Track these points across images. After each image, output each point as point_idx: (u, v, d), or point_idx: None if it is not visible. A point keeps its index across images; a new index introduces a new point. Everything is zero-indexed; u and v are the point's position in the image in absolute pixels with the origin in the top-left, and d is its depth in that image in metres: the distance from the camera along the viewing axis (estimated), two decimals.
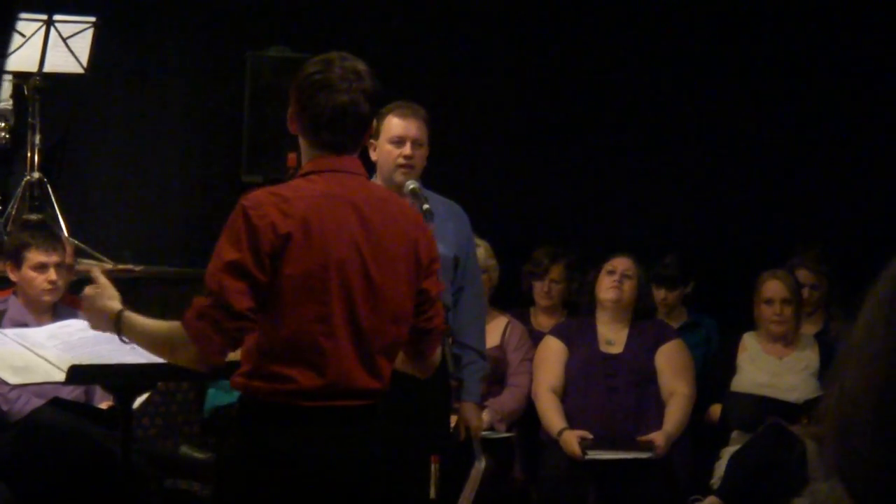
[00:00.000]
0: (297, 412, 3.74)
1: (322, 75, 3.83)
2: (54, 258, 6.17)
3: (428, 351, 4.08)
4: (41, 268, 6.13)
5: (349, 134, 3.86)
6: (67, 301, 6.43)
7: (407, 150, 5.52)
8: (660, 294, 7.57)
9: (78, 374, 4.47)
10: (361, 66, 3.90)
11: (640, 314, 6.89)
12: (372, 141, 5.59)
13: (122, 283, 7.49)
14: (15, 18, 7.67)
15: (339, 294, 3.75)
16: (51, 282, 6.13)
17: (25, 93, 7.88)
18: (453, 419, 5.80)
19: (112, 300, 3.97)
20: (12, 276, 6.19)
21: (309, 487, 3.77)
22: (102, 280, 4.03)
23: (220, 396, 6.78)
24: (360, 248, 3.79)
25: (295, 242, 3.68)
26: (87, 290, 4.02)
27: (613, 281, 6.81)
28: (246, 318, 3.67)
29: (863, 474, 1.07)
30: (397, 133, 5.56)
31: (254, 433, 3.78)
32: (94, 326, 4.07)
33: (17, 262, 6.17)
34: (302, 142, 3.90)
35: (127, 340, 3.95)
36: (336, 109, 3.81)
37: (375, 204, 3.87)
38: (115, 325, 3.91)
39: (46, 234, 6.34)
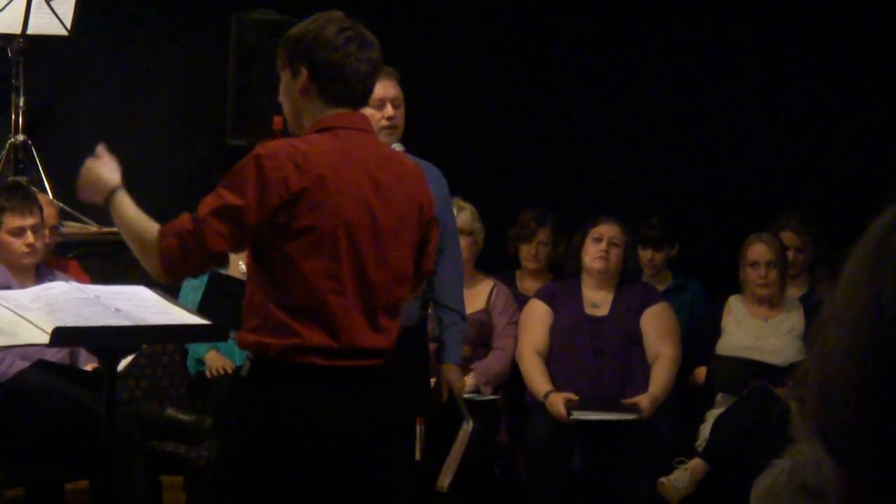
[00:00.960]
0: (307, 371, 3.77)
1: (353, 32, 3.91)
2: (30, 221, 6.09)
3: (420, 284, 4.25)
4: (18, 232, 6.06)
5: (373, 87, 4.00)
6: (52, 263, 6.41)
7: (389, 111, 5.55)
8: (646, 254, 7.57)
9: (62, 336, 4.46)
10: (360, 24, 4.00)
11: (626, 279, 6.90)
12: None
13: (107, 245, 7.53)
14: None
15: (349, 251, 3.79)
16: (28, 245, 6.06)
17: (9, 55, 7.84)
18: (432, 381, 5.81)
19: (114, 172, 4.04)
20: None
21: (316, 446, 3.81)
22: (107, 155, 4.09)
23: (199, 350, 6.77)
24: (371, 208, 3.84)
25: (308, 197, 3.72)
26: (89, 160, 4.08)
27: (600, 250, 6.80)
28: (214, 259, 3.75)
29: (845, 438, 1.07)
30: (378, 95, 5.57)
31: (264, 392, 3.82)
32: (83, 193, 4.13)
33: None
34: (315, 99, 3.92)
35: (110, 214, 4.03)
36: (370, 63, 3.91)
37: (385, 163, 3.94)
38: (107, 197, 3.99)
39: (22, 196, 6.24)
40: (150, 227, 3.85)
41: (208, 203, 3.72)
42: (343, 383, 3.80)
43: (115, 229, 7.66)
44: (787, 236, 7.38)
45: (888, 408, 1.04)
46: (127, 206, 3.95)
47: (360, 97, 3.95)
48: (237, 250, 3.80)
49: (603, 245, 6.81)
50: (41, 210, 6.24)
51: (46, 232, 6.26)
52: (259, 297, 3.81)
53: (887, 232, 1.09)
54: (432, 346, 5.64)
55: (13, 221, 6.06)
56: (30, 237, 6.07)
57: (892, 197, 1.14)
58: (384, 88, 5.60)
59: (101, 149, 4.12)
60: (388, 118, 5.56)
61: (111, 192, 3.99)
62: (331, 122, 3.88)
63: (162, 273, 3.82)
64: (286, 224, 3.72)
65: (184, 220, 3.75)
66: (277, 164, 3.70)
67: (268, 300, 3.78)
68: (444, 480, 5.60)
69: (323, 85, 3.88)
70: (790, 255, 7.29)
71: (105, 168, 4.05)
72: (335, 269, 3.76)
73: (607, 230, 6.82)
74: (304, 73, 3.89)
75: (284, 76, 3.97)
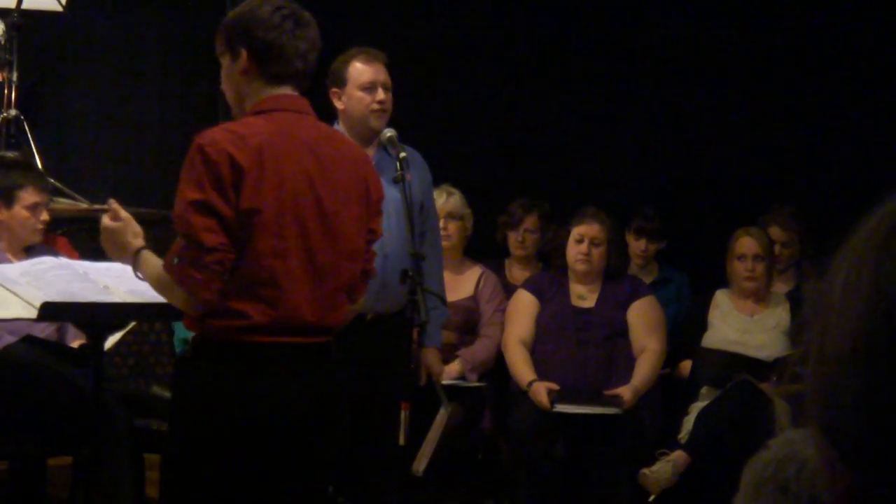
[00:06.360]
0: (250, 348, 3.79)
1: (288, 10, 3.96)
2: (45, 197, 6.11)
3: (357, 294, 4.13)
4: (34, 207, 6.04)
5: (313, 64, 4.01)
6: (42, 239, 6.39)
7: (380, 94, 5.55)
8: (639, 245, 7.59)
9: (50, 310, 4.47)
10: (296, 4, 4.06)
11: (612, 273, 6.90)
12: (335, 90, 5.60)
13: (97, 223, 7.50)
14: None
15: (295, 229, 3.82)
16: (43, 222, 6.07)
17: (2, 30, 7.81)
18: None
19: (136, 237, 4.03)
20: None
21: (264, 423, 3.83)
22: (125, 214, 4.08)
23: (185, 330, 6.74)
24: (315, 185, 3.86)
25: (250, 177, 3.74)
26: (108, 222, 4.06)
27: (581, 252, 6.80)
28: (221, 251, 3.71)
29: (851, 436, 1.06)
30: (368, 79, 5.58)
31: (208, 372, 3.83)
32: (114, 258, 4.12)
33: (8, 201, 6.06)
34: (256, 80, 3.95)
35: (141, 277, 4.00)
36: (309, 41, 3.95)
37: (327, 142, 3.97)
38: (134, 261, 3.98)
39: (36, 174, 6.24)
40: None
41: (179, 208, 3.75)
42: (287, 360, 3.84)
43: (105, 206, 7.71)
44: (774, 231, 7.40)
45: (894, 404, 1.04)
46: (149, 261, 3.96)
47: (302, 74, 3.98)
48: (231, 241, 3.74)
49: (584, 247, 6.81)
50: (50, 189, 6.25)
51: None
52: None
53: (891, 230, 1.09)
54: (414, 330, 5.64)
55: (31, 197, 6.04)
56: (45, 214, 6.07)
57: (882, 195, 1.13)
58: (375, 72, 5.60)
59: (113, 205, 4.12)
60: (380, 102, 5.57)
61: (135, 256, 3.99)
62: (268, 105, 3.92)
63: (192, 298, 3.77)
64: (234, 205, 3.75)
65: (175, 244, 3.78)
66: (219, 149, 3.73)
67: None
68: (420, 465, 5.61)
69: (262, 64, 3.92)
70: (777, 249, 7.31)
71: (127, 236, 4.03)
72: (281, 247, 3.79)
73: (588, 230, 6.82)
74: (243, 53, 3.94)
75: (225, 61, 4.01)
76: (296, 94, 3.98)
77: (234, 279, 3.75)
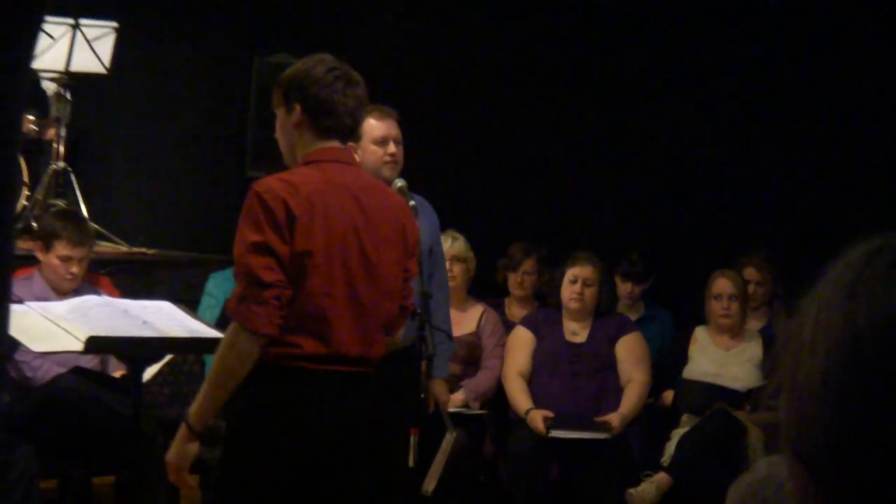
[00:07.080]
0: (301, 374, 3.79)
1: (340, 71, 3.97)
2: (80, 253, 6.04)
3: (395, 328, 4.13)
4: (66, 259, 6.02)
5: (360, 120, 4.07)
6: (86, 277, 6.42)
7: (392, 148, 5.59)
8: (626, 287, 7.62)
9: (95, 344, 4.51)
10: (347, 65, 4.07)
11: (602, 311, 6.93)
12: (351, 144, 5.63)
13: (136, 264, 7.56)
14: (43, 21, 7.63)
15: (341, 271, 3.83)
16: (72, 273, 6.03)
17: (53, 91, 7.86)
18: None
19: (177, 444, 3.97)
20: (40, 256, 6.10)
21: (307, 442, 3.82)
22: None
23: None
24: (359, 231, 3.88)
25: (302, 222, 3.76)
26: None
27: (575, 291, 6.83)
28: (278, 287, 3.71)
29: (822, 459, 1.07)
30: (381, 134, 5.62)
31: (261, 394, 3.83)
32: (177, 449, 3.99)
33: (47, 245, 6.07)
34: (307, 132, 3.96)
35: (207, 426, 3.92)
36: (357, 100, 3.96)
37: (370, 192, 3.98)
38: (191, 430, 3.89)
39: (78, 227, 6.17)
40: (217, 350, 3.81)
41: (239, 250, 3.74)
42: (332, 385, 3.84)
43: (143, 249, 7.76)
44: (749, 272, 7.43)
45: (862, 432, 1.05)
46: (198, 396, 3.86)
47: (349, 129, 4.00)
48: (287, 279, 3.74)
49: (577, 287, 6.84)
50: (92, 244, 6.19)
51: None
52: None
53: (861, 267, 1.09)
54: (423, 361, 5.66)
55: (64, 249, 6.01)
56: (74, 268, 6.03)
57: (848, 241, 1.14)
58: (387, 128, 5.64)
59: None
60: (391, 154, 5.60)
61: (187, 425, 3.91)
62: (317, 157, 3.93)
63: (257, 335, 3.69)
64: (290, 245, 3.76)
65: (234, 291, 3.76)
66: (275, 195, 3.75)
67: None
68: (429, 485, 5.61)
69: (315, 118, 3.93)
70: (751, 288, 7.34)
71: (182, 453, 3.97)
72: (329, 288, 3.80)
73: (581, 272, 6.85)
74: (297, 108, 3.95)
75: (280, 113, 4.01)
76: (343, 146, 4.00)
77: (288, 316, 3.76)
